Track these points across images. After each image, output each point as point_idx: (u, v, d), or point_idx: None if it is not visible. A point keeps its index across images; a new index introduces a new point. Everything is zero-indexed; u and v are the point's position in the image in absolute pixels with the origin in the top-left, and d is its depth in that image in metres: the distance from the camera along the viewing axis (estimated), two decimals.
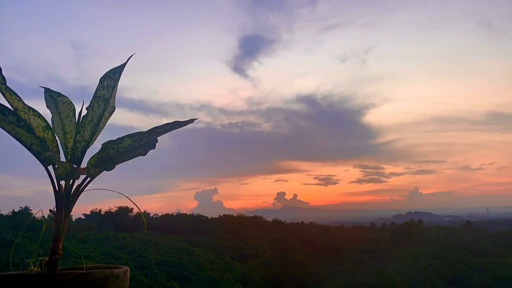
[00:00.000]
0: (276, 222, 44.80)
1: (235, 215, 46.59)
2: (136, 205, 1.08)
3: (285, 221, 46.52)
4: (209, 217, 44.65)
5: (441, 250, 29.91)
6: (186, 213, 46.57)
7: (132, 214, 39.77)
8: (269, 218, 48.27)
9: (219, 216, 46.01)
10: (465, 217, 73.36)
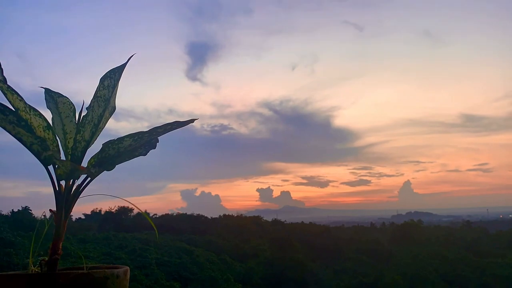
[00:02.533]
0: (276, 222, 44.84)
1: (235, 215, 46.61)
2: (137, 207, 1.08)
3: (285, 221, 46.55)
4: (209, 217, 44.69)
5: (441, 250, 29.91)
6: (186, 213, 46.59)
7: (132, 214, 39.80)
8: (269, 218, 48.39)
9: (219, 216, 46.03)
10: (465, 217, 73.32)
